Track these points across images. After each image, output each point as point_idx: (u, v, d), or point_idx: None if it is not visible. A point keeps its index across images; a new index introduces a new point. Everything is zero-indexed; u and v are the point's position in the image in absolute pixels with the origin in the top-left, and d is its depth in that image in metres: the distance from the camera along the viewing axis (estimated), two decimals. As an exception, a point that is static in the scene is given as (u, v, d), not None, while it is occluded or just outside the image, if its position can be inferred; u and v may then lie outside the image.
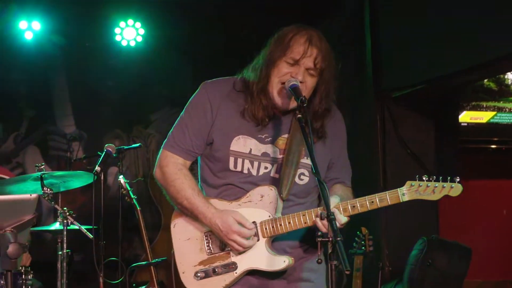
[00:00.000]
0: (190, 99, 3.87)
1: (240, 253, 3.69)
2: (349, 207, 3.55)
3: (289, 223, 3.61)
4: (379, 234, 6.98)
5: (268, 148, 3.72)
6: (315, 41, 3.62)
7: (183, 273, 3.82)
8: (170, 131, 3.88)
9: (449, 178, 3.43)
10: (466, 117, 7.83)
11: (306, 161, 3.72)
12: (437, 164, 7.35)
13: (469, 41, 5.84)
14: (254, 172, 3.72)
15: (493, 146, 8.13)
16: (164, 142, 3.88)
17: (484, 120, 7.92)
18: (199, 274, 3.75)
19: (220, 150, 3.74)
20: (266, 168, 3.72)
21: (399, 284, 6.65)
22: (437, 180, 3.47)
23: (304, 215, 3.59)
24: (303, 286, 3.81)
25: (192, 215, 3.78)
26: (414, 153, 7.18)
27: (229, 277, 3.70)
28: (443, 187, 3.43)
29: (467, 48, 5.86)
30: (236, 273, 3.69)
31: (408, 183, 3.47)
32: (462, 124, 7.78)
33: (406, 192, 3.47)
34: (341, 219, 3.51)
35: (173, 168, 3.81)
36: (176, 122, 3.88)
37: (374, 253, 6.28)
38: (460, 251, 6.49)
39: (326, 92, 3.70)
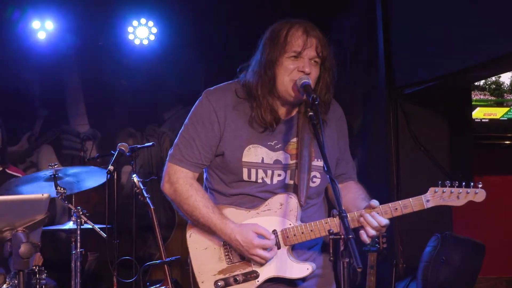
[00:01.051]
0: (193, 109, 3.85)
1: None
2: (382, 212, 3.56)
3: (311, 230, 3.62)
4: (393, 231, 6.97)
5: (279, 155, 3.72)
6: (312, 31, 3.65)
7: (202, 282, 3.79)
8: (175, 143, 3.85)
9: (472, 183, 3.43)
10: (479, 113, 7.81)
11: (317, 163, 3.73)
12: (451, 161, 7.33)
13: (481, 36, 5.81)
14: (268, 181, 3.72)
15: (507, 142, 8.09)
16: (170, 155, 3.85)
17: (498, 116, 7.89)
18: (219, 283, 3.73)
19: (232, 162, 3.72)
20: (279, 175, 3.72)
21: (413, 281, 6.64)
22: (459, 186, 3.48)
23: (326, 222, 3.59)
24: (320, 282, 3.83)
25: (209, 231, 3.76)
26: (427, 150, 7.16)
27: (251, 286, 3.71)
28: (467, 192, 3.44)
29: (480, 43, 5.83)
30: (258, 281, 3.70)
31: (432, 189, 3.47)
32: (475, 120, 7.75)
33: (430, 199, 3.48)
34: (382, 220, 3.52)
35: (185, 184, 3.79)
36: (180, 133, 3.86)
37: (388, 250, 6.26)
38: (474, 247, 6.48)
39: (330, 80, 3.72)
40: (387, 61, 7.15)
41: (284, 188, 3.72)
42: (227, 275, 3.74)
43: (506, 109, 7.91)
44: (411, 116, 7.19)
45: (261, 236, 3.63)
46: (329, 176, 3.19)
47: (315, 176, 3.74)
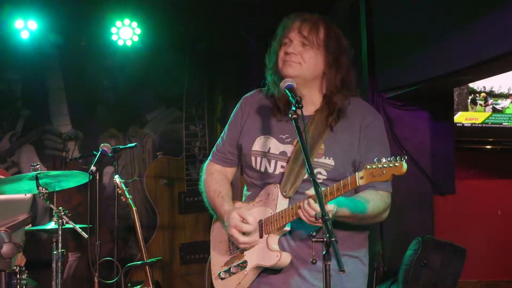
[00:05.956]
0: None
1: (250, 251, 3.76)
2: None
3: (282, 217, 3.64)
4: (374, 234, 6.99)
5: (286, 148, 3.78)
6: (297, 16, 3.79)
7: (214, 274, 3.96)
8: None
9: (398, 157, 3.34)
10: (461, 117, 7.84)
11: (325, 160, 3.71)
12: (433, 165, 7.36)
13: (464, 41, 5.84)
14: (270, 170, 3.78)
15: (488, 147, 8.13)
16: None
17: (479, 121, 7.94)
18: (222, 275, 3.88)
19: (245, 151, 3.89)
20: (282, 167, 3.77)
21: (394, 284, 6.67)
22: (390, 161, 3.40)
23: (292, 208, 3.60)
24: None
25: (216, 214, 3.97)
26: (410, 154, 7.18)
27: (241, 276, 3.79)
28: (390, 166, 3.34)
29: (463, 48, 5.87)
30: (246, 271, 3.76)
31: (366, 166, 3.40)
32: (457, 124, 7.79)
33: (363, 176, 3.40)
34: (316, 207, 3.44)
35: (207, 176, 4.05)
36: None
37: (369, 253, 6.28)
38: (454, 251, 6.51)
39: (335, 61, 3.76)
40: (370, 65, 7.18)
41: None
42: (227, 267, 3.86)
43: (488, 114, 7.96)
44: (394, 120, 7.22)
45: (243, 220, 3.74)
46: (312, 178, 3.20)
47: (319, 173, 3.71)
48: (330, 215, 3.36)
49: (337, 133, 3.75)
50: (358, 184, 3.39)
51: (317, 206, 3.40)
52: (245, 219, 3.72)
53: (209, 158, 4.12)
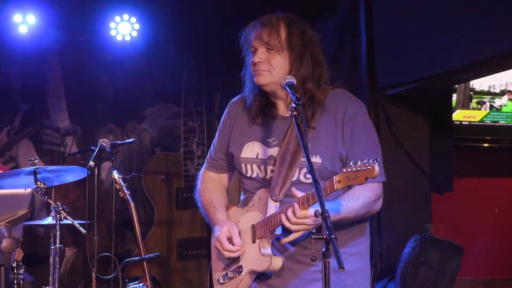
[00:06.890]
0: None
1: (244, 256, 3.74)
2: (305, 201, 3.43)
3: (271, 222, 3.61)
4: (372, 231, 6.97)
5: (274, 151, 3.74)
6: (255, 24, 3.75)
7: (214, 279, 3.95)
8: None
9: (371, 160, 3.29)
10: (459, 115, 7.85)
11: (312, 159, 3.66)
12: (432, 163, 7.36)
13: (464, 40, 5.84)
14: (261, 175, 3.77)
15: (485, 145, 8.14)
16: None
17: (477, 119, 7.94)
18: (221, 280, 3.87)
19: (235, 159, 3.87)
20: (272, 171, 3.73)
21: (391, 281, 6.67)
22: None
23: (280, 213, 3.57)
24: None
25: (211, 226, 3.94)
26: (408, 151, 7.19)
27: (238, 281, 3.76)
28: (362, 170, 3.31)
29: (463, 46, 5.87)
30: (241, 276, 3.74)
31: (342, 170, 3.35)
32: (455, 122, 7.79)
33: (340, 179, 3.35)
34: (296, 211, 3.42)
35: (201, 184, 4.06)
36: None
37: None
38: (452, 248, 6.52)
39: (299, 57, 3.69)
40: (369, 62, 7.17)
41: None
42: (226, 271, 3.84)
43: (486, 112, 7.97)
44: (393, 117, 7.21)
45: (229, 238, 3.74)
46: (312, 176, 3.17)
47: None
48: (311, 221, 3.38)
49: (320, 129, 3.68)
50: (335, 188, 3.32)
51: (299, 211, 3.40)
52: (231, 238, 3.72)
53: (203, 166, 4.13)
